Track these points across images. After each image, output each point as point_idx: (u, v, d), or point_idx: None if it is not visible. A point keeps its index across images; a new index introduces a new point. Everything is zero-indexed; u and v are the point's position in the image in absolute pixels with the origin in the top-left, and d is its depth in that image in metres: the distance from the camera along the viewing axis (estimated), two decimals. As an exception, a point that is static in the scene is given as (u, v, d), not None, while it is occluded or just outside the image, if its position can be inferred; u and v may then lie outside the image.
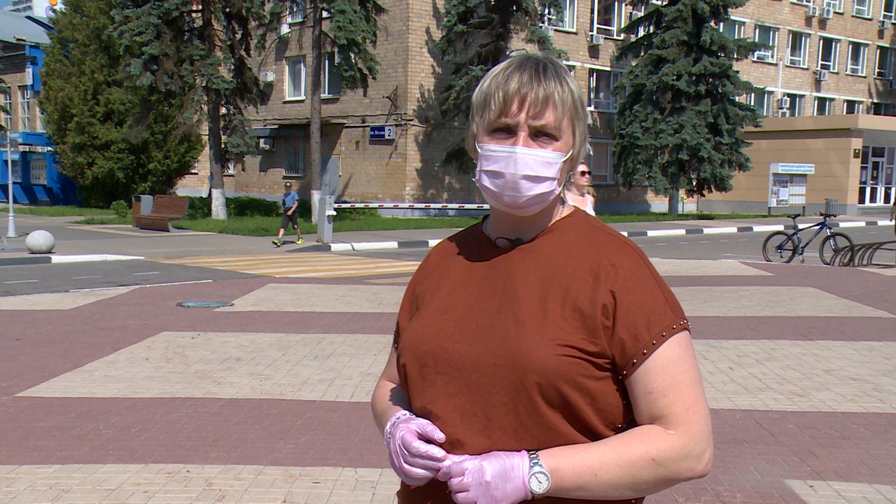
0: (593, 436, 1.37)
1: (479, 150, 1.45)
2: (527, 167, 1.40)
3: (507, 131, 1.42)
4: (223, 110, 28.87)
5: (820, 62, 46.35)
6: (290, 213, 19.89)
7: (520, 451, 1.35)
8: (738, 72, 34.01)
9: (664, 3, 34.14)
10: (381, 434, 1.54)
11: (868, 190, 41.01)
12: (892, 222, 23.64)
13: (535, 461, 1.33)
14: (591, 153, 37.55)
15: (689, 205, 39.97)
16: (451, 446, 1.39)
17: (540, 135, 1.42)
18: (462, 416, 1.39)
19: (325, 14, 27.25)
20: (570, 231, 1.48)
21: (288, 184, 20.70)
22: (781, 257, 17.30)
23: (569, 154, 1.44)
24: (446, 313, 1.46)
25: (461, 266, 1.53)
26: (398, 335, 1.61)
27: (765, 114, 42.11)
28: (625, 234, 25.57)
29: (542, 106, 1.40)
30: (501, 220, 1.50)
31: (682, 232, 27.12)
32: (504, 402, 1.36)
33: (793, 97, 45.32)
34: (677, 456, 1.34)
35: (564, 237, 1.47)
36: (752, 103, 40.34)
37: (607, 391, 1.37)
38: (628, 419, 1.40)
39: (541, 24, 31.00)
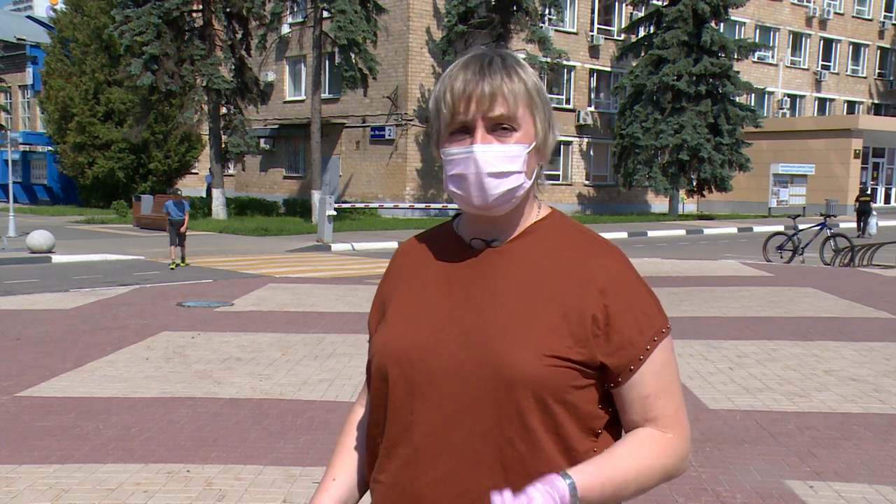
0: (570, 446, 1.34)
1: (442, 156, 1.39)
2: (488, 164, 1.34)
3: (464, 131, 1.36)
4: (223, 110, 28.87)
5: (820, 63, 46.33)
6: (182, 228, 15.69)
7: (551, 474, 1.30)
8: (738, 72, 34.01)
9: (665, 4, 34.13)
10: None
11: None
12: (856, 224, 25.52)
13: (573, 490, 1.28)
14: (592, 154, 37.57)
15: (689, 205, 39.96)
16: (433, 459, 1.34)
17: (497, 128, 1.35)
18: (443, 429, 1.34)
19: (325, 14, 27.25)
20: (549, 233, 1.43)
21: (178, 190, 16.63)
22: (781, 258, 17.29)
23: (533, 145, 1.38)
24: (420, 320, 1.40)
25: (433, 268, 1.45)
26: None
27: (765, 114, 42.08)
28: (625, 234, 25.73)
29: (489, 100, 1.33)
30: (476, 221, 1.43)
31: (682, 232, 27.12)
32: (490, 414, 1.31)
33: (793, 98, 45.31)
34: (679, 459, 1.39)
35: (544, 239, 1.42)
36: (753, 104, 40.31)
37: (589, 399, 1.35)
38: (604, 424, 1.39)
39: (541, 25, 31.00)
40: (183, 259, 15.87)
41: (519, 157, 1.36)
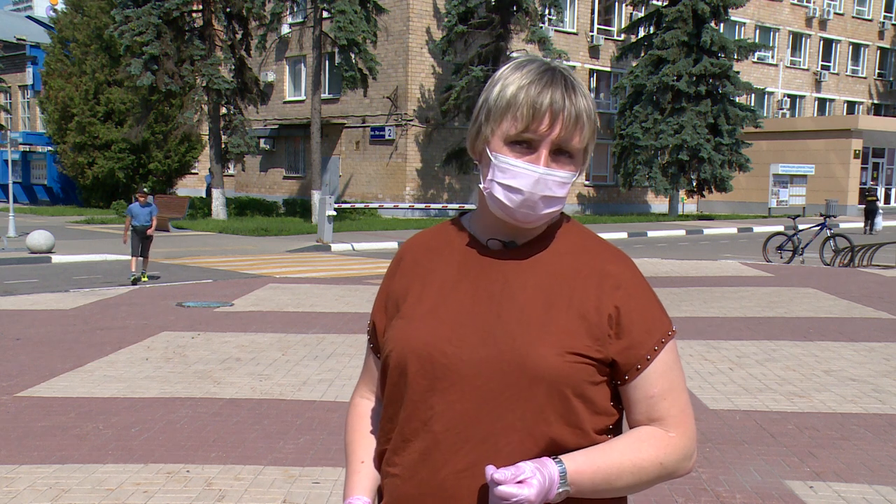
0: (588, 441, 1.38)
1: (492, 158, 1.39)
2: (547, 188, 1.37)
3: (526, 144, 1.38)
4: (223, 110, 28.87)
5: (820, 63, 46.34)
6: (149, 232, 13.65)
7: (541, 457, 1.34)
8: (738, 72, 34.02)
9: (664, 4, 34.14)
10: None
11: (872, 190, 40.99)
12: (863, 225, 27.50)
13: (563, 475, 1.32)
14: (592, 154, 37.54)
15: (689, 205, 39.97)
16: (453, 452, 1.36)
17: (560, 153, 1.39)
18: (465, 422, 1.36)
19: (325, 14, 27.25)
20: (563, 237, 1.47)
21: (146, 189, 14.51)
22: (781, 258, 17.29)
23: (578, 172, 1.43)
24: (439, 315, 1.42)
25: (448, 266, 1.48)
26: (375, 337, 1.55)
27: (765, 114, 42.09)
28: (625, 234, 25.74)
29: (573, 126, 1.37)
30: (495, 223, 1.46)
31: (682, 232, 27.12)
32: (512, 408, 1.35)
33: (793, 98, 45.32)
34: (679, 458, 1.41)
35: (558, 242, 1.46)
36: (753, 104, 40.33)
37: (604, 395, 1.40)
38: (614, 423, 1.43)
39: (541, 25, 31.00)
40: (144, 273, 13.65)
41: (569, 183, 1.41)
